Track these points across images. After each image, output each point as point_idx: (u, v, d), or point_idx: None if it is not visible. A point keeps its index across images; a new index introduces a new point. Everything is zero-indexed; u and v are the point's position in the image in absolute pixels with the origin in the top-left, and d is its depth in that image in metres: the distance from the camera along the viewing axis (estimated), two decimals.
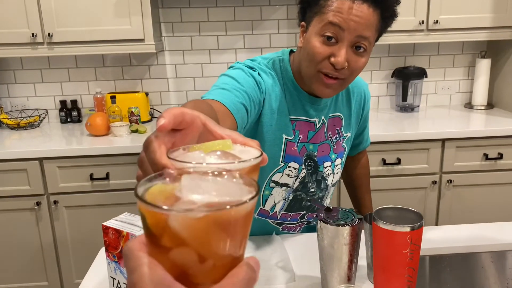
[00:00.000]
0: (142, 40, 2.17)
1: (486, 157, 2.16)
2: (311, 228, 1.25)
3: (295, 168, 1.10)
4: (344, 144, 1.18)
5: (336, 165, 1.17)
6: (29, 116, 2.45)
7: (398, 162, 2.13)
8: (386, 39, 2.26)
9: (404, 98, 2.52)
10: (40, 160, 1.99)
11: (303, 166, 1.11)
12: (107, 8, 2.11)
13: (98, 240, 2.10)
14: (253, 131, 1.06)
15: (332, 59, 0.94)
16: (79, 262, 2.13)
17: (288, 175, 1.10)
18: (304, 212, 1.18)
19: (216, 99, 0.86)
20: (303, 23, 1.03)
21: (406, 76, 2.49)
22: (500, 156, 2.16)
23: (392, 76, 2.58)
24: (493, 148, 2.16)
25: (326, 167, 1.14)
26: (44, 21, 2.11)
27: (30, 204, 2.03)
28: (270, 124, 1.05)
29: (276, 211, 1.16)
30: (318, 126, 1.11)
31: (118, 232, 0.79)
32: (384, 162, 2.12)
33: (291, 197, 1.14)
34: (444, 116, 2.45)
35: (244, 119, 0.91)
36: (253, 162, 0.42)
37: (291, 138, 1.08)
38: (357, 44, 0.94)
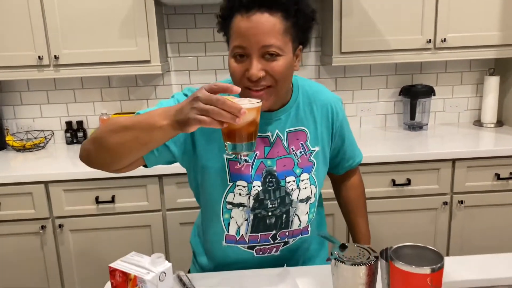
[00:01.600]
0: (148, 61, 2.16)
1: (498, 176, 2.11)
2: (292, 250, 1.21)
3: (244, 186, 1.10)
4: (312, 158, 1.16)
5: (302, 180, 1.14)
6: (34, 138, 2.44)
7: (408, 182, 2.09)
8: (393, 57, 2.25)
9: (412, 117, 2.49)
10: (46, 183, 1.97)
11: (259, 183, 1.11)
12: (113, 30, 2.11)
13: (103, 265, 2.07)
14: (193, 157, 1.11)
15: (247, 73, 0.98)
16: (84, 286, 2.09)
17: (240, 194, 1.11)
18: (274, 232, 1.15)
19: None
20: None
21: (414, 94, 2.47)
22: None
23: (399, 94, 2.56)
24: (505, 168, 2.11)
25: (288, 182, 1.13)
26: (50, 44, 2.11)
27: (35, 228, 2.00)
28: (208, 147, 1.09)
29: (242, 234, 1.14)
30: (272, 140, 1.11)
31: (125, 275, 0.76)
32: (393, 183, 2.09)
33: (251, 216, 1.12)
34: (453, 134, 2.41)
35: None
36: (259, 103, 0.87)
37: (231, 157, 1.09)
38: (267, 53, 0.98)
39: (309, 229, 1.21)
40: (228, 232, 1.14)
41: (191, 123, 0.82)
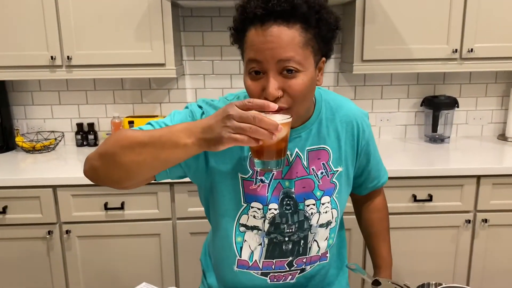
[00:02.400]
0: (163, 64, 2.10)
1: None
2: (308, 278, 1.11)
3: (259, 209, 1.01)
4: (334, 180, 1.06)
5: (323, 204, 1.04)
6: (45, 139, 2.39)
7: (430, 198, 2.00)
8: (417, 67, 2.16)
9: (435, 129, 2.39)
10: (54, 187, 1.92)
11: (276, 206, 1.02)
12: (128, 32, 2.05)
13: (110, 273, 2.01)
14: (205, 175, 1.02)
15: (264, 93, 0.89)
16: None
17: (255, 217, 1.02)
18: (290, 258, 1.06)
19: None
20: None
21: (437, 106, 2.37)
22: None
23: (421, 105, 2.46)
24: None
25: (308, 205, 1.03)
26: (63, 44, 2.05)
27: (41, 233, 1.94)
28: (222, 164, 1.01)
29: (255, 260, 1.05)
30: (291, 159, 1.02)
31: None
32: (414, 199, 1.99)
33: (266, 241, 1.03)
34: (476, 148, 2.31)
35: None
36: (290, 118, 0.84)
37: (246, 176, 1.00)
38: (284, 68, 0.88)
39: (327, 255, 1.12)
40: (240, 256, 1.06)
41: (225, 142, 0.77)
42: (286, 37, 0.86)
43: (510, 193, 2.01)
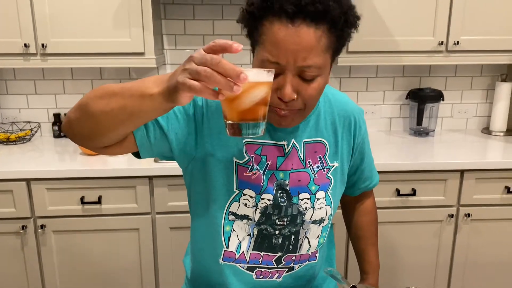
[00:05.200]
0: (142, 53, 2.02)
1: (508, 190, 2.00)
2: (296, 278, 1.07)
3: (251, 197, 0.97)
4: (329, 175, 1.02)
5: (318, 199, 1.00)
6: (20, 130, 2.31)
7: (413, 193, 1.98)
8: (402, 59, 2.12)
9: (419, 122, 2.37)
10: (28, 181, 1.85)
11: (270, 196, 0.97)
12: (106, 19, 1.97)
13: (87, 269, 1.96)
14: (194, 155, 0.96)
15: (278, 93, 0.83)
16: None
17: (246, 205, 0.97)
18: (279, 254, 1.02)
19: None
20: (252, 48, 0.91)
21: (422, 99, 2.35)
22: None
23: (406, 98, 2.44)
24: None
25: (302, 199, 0.99)
26: (38, 31, 1.97)
27: (15, 227, 1.87)
28: (218, 145, 0.95)
29: (243, 252, 1.01)
30: (287, 150, 0.98)
31: None
32: (398, 193, 1.97)
33: (256, 232, 0.99)
34: (461, 142, 2.30)
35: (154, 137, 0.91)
36: (271, 74, 0.70)
37: (242, 162, 0.96)
38: (304, 72, 0.83)
39: (317, 254, 1.08)
40: (227, 247, 1.01)
41: (180, 89, 0.64)
42: (312, 40, 0.80)
43: (493, 187, 2.01)
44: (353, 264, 2.01)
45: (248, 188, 0.97)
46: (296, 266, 1.05)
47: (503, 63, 2.31)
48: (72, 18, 1.96)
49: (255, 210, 0.98)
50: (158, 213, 1.92)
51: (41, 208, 1.88)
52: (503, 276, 2.13)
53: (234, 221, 0.99)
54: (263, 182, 0.97)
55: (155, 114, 0.75)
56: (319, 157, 1.01)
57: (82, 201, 1.87)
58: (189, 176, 1.02)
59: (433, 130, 2.42)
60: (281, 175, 0.98)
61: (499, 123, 2.42)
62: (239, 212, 0.98)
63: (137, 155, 0.93)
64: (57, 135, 2.35)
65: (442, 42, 2.11)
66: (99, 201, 1.88)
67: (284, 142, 0.98)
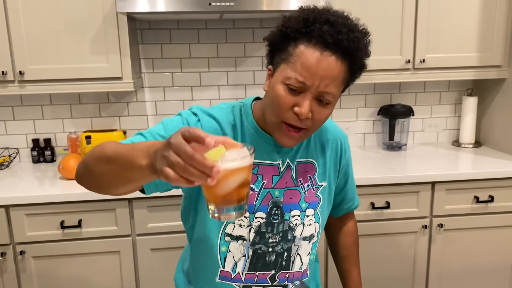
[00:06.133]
0: (120, 78, 2.07)
1: (477, 200, 2.09)
2: None
3: (245, 217, 1.02)
4: (318, 193, 1.09)
5: (307, 216, 1.07)
6: None
7: (387, 206, 2.04)
8: (373, 78, 2.22)
9: (391, 137, 2.45)
10: (6, 207, 1.85)
11: (263, 215, 1.03)
12: (83, 46, 2.02)
13: None
14: (197, 187, 0.97)
15: (296, 109, 0.91)
16: None
17: (241, 225, 1.02)
18: (273, 271, 1.07)
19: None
20: (270, 67, 0.99)
21: (393, 115, 2.44)
22: (491, 199, 2.09)
23: (378, 114, 2.53)
24: (484, 191, 2.09)
25: (293, 216, 1.05)
26: (15, 58, 1.99)
27: None
28: None
29: (238, 272, 1.05)
30: (282, 169, 1.04)
31: None
32: (373, 206, 2.03)
33: (251, 252, 1.04)
34: (432, 155, 2.39)
35: None
36: (251, 159, 0.70)
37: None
38: (320, 97, 0.92)
39: (308, 272, 1.14)
40: (223, 267, 1.05)
41: (159, 175, 0.66)
42: (336, 72, 0.90)
43: (463, 198, 2.09)
44: (333, 278, 2.06)
45: None
46: (290, 284, 1.10)
47: (468, 79, 2.42)
48: (49, 45, 2.00)
49: (250, 229, 1.03)
50: (139, 234, 1.94)
51: (20, 234, 1.87)
52: (477, 283, 2.20)
53: (230, 242, 1.03)
54: (256, 201, 1.02)
55: (147, 181, 0.78)
56: (309, 177, 1.08)
57: (62, 226, 1.88)
58: (187, 200, 1.07)
59: (405, 144, 2.51)
60: (276, 193, 1.04)
61: (467, 135, 2.52)
62: (234, 233, 1.03)
63: (142, 191, 0.96)
64: (36, 160, 2.36)
65: (409, 61, 2.21)
66: (79, 224, 1.89)
67: (279, 162, 1.04)
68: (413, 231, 2.09)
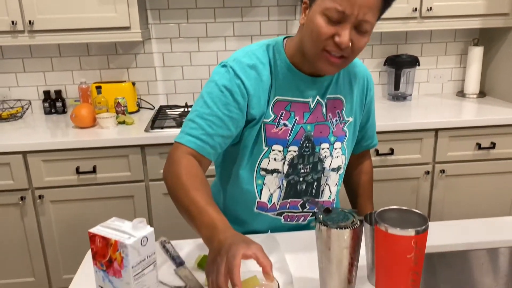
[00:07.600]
0: (128, 28, 2.09)
1: (479, 146, 2.14)
2: None
3: (279, 151, 1.09)
4: (345, 128, 1.15)
5: (335, 149, 1.14)
6: (11, 108, 2.36)
7: (391, 152, 2.10)
8: (379, 26, 2.21)
9: (397, 87, 2.48)
10: (24, 153, 1.92)
11: (296, 148, 1.09)
12: None
13: (85, 235, 2.05)
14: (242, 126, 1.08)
15: (337, 39, 0.94)
16: (66, 258, 2.08)
17: (275, 159, 1.09)
18: (304, 199, 1.15)
19: (193, 148, 1.01)
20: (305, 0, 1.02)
21: (399, 65, 2.45)
22: (493, 146, 2.14)
23: (384, 65, 2.54)
24: (486, 138, 2.14)
25: (323, 149, 1.12)
26: (24, 8, 2.01)
27: (14, 199, 1.96)
28: (254, 109, 1.06)
29: (274, 202, 1.14)
30: (312, 106, 1.10)
31: (105, 240, 0.74)
32: (377, 153, 2.09)
33: (285, 184, 1.12)
34: (436, 105, 2.42)
35: (224, 144, 1.04)
36: None
37: (268, 120, 1.07)
38: (359, 26, 0.94)
39: (335, 201, 1.22)
40: (260, 199, 1.13)
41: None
42: (374, 0, 0.91)
43: (465, 145, 2.14)
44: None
45: (276, 143, 1.08)
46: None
47: (475, 28, 2.42)
48: None
49: (284, 162, 1.10)
50: (151, 180, 2.02)
51: (38, 180, 1.96)
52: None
53: (265, 176, 1.10)
54: (289, 136, 1.08)
55: None
56: (338, 112, 1.13)
57: (78, 171, 1.96)
58: (229, 148, 1.13)
59: (410, 95, 2.53)
60: (308, 127, 1.10)
61: (472, 86, 2.55)
62: (269, 167, 1.10)
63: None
64: (48, 111, 2.41)
65: (416, 9, 2.21)
66: (94, 170, 1.96)
67: (310, 99, 1.09)
68: (416, 177, 2.16)
